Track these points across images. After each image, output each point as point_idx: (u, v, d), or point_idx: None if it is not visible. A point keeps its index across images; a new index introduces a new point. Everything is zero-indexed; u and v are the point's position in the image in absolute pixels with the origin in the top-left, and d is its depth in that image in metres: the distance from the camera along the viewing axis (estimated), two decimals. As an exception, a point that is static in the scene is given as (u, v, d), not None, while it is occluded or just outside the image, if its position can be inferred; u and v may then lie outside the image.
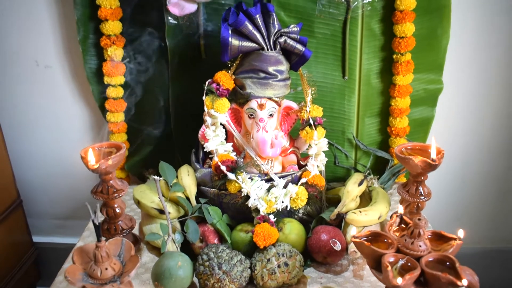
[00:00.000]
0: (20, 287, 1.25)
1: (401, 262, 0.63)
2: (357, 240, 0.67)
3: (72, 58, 1.15)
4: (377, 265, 0.65)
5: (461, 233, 0.68)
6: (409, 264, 0.63)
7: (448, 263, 0.63)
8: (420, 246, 0.64)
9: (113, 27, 1.03)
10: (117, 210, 0.85)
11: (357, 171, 1.10)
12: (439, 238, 0.69)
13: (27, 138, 1.24)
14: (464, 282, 0.59)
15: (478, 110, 1.19)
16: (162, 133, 1.14)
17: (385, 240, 0.68)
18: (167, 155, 1.03)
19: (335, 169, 1.14)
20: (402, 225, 0.72)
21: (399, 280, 0.59)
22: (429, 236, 0.68)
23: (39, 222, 1.34)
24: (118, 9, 1.03)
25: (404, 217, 0.72)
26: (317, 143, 0.91)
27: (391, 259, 0.63)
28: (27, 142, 1.24)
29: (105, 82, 1.08)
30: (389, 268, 0.61)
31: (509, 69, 1.14)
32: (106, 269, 0.68)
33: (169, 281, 0.75)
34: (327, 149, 0.93)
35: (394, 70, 1.05)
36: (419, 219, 0.64)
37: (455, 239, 0.67)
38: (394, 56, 1.04)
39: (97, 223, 0.68)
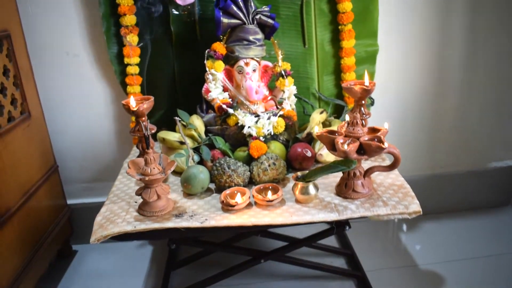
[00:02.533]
0: (56, 241, 1.52)
1: (347, 142, 0.99)
2: (319, 133, 1.02)
3: (95, 47, 1.48)
4: (332, 147, 1.01)
5: (386, 125, 1.04)
6: (351, 141, 0.99)
7: (376, 139, 0.99)
8: (358, 131, 1.00)
9: (130, 19, 1.37)
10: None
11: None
12: (373, 131, 1.05)
13: (61, 114, 1.55)
14: (386, 145, 0.95)
15: (405, 63, 1.58)
16: (170, 99, 1.47)
17: (337, 134, 1.04)
18: (174, 115, 1.36)
19: (304, 118, 1.49)
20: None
21: (345, 147, 0.95)
22: (367, 130, 1.04)
23: (71, 185, 1.64)
24: (133, 6, 1.37)
25: (349, 120, 1.08)
26: (288, 88, 1.27)
27: (341, 140, 0.99)
28: (61, 117, 1.55)
29: (125, 62, 1.41)
30: (339, 142, 0.96)
31: (429, 32, 1.54)
32: (154, 168, 1.01)
33: (194, 181, 1.09)
34: (296, 100, 1.30)
35: (340, 37, 1.43)
36: (354, 116, 1.00)
37: (382, 129, 1.03)
38: (340, 27, 1.42)
39: (147, 135, 1.01)
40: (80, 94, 1.53)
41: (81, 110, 1.55)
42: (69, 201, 1.65)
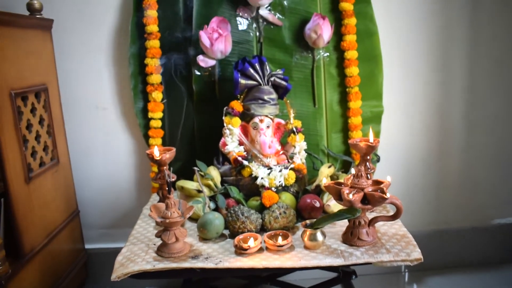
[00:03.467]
0: (72, 284, 1.59)
1: (352, 192, 1.07)
2: (327, 184, 1.11)
3: (123, 102, 1.62)
4: (339, 197, 1.09)
5: (389, 178, 1.13)
6: (356, 192, 1.07)
7: (379, 190, 1.07)
8: (363, 182, 1.09)
9: (155, 78, 1.52)
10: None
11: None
12: (377, 183, 1.13)
13: (86, 162, 1.66)
14: (388, 195, 1.03)
15: (409, 123, 1.69)
16: (189, 151, 1.58)
17: (343, 185, 1.12)
18: (192, 166, 1.45)
19: (313, 173, 1.58)
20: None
21: (351, 196, 1.03)
22: (371, 182, 1.13)
23: (89, 230, 1.72)
24: (159, 66, 1.53)
25: (355, 173, 1.17)
26: (299, 144, 1.38)
27: (347, 191, 1.07)
28: (86, 165, 1.66)
29: (149, 117, 1.54)
30: (345, 192, 1.05)
31: (431, 94, 1.67)
32: (174, 212, 1.10)
33: (210, 226, 1.17)
34: (306, 155, 1.40)
35: (348, 98, 1.55)
36: (359, 169, 1.10)
37: (385, 181, 1.11)
38: (347, 89, 1.55)
39: (169, 181, 1.11)
40: (105, 144, 1.66)
41: (105, 159, 1.67)
42: (86, 246, 1.72)
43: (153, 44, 1.50)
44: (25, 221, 1.29)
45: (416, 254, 1.04)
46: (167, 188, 1.26)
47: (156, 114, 1.54)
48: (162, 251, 1.10)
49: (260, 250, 1.10)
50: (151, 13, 1.49)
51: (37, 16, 1.45)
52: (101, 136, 1.65)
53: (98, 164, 1.67)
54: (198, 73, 1.51)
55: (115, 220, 1.72)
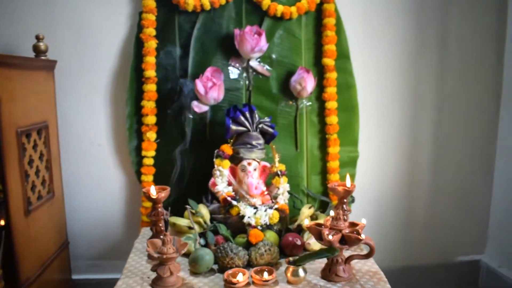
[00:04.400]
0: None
1: (332, 233, 1.20)
2: (309, 225, 1.24)
3: (117, 139, 1.72)
4: (319, 237, 1.21)
5: (364, 220, 1.26)
6: (335, 233, 1.20)
7: (355, 232, 1.20)
8: (341, 224, 1.22)
9: (150, 119, 1.63)
10: (162, 228, 1.37)
11: (308, 210, 1.68)
12: (353, 225, 1.26)
13: (78, 195, 1.74)
14: (363, 236, 1.16)
15: (382, 167, 1.85)
16: (178, 189, 1.68)
17: (323, 226, 1.25)
18: (180, 204, 1.54)
19: (294, 211, 1.70)
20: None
21: (330, 237, 1.16)
22: (348, 224, 1.26)
23: (77, 261, 1.78)
24: (154, 108, 1.64)
25: (334, 215, 1.30)
26: (283, 186, 1.50)
27: (327, 232, 1.20)
28: (78, 198, 1.74)
29: (142, 155, 1.65)
30: (325, 233, 1.17)
31: (401, 142, 1.84)
32: (169, 248, 1.19)
33: (201, 261, 1.26)
34: (288, 195, 1.53)
35: (327, 144, 1.70)
36: (338, 212, 1.23)
37: (360, 223, 1.25)
38: (327, 136, 1.70)
39: (167, 219, 1.21)
40: (97, 178, 1.74)
41: (96, 193, 1.75)
42: (73, 276, 1.77)
43: (150, 88, 1.62)
44: (23, 253, 1.35)
45: (387, 290, 1.17)
46: (161, 225, 1.37)
47: (149, 152, 1.65)
48: (157, 284, 1.19)
49: (248, 284, 1.20)
50: (150, 59, 1.62)
51: (43, 58, 1.56)
52: (95, 171, 1.74)
53: (90, 197, 1.75)
54: (191, 116, 1.63)
55: (103, 252, 1.79)
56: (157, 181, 1.67)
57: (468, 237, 1.97)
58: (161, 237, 1.20)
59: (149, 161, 1.65)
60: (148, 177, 1.66)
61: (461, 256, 1.98)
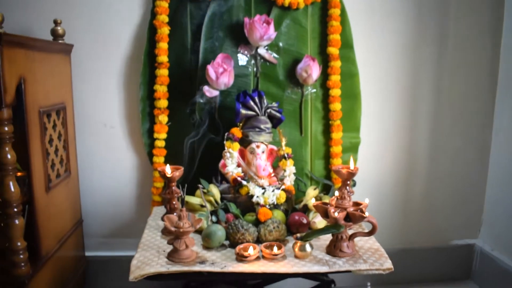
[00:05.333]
0: (73, 290, 1.72)
1: (337, 211, 1.28)
2: (316, 203, 1.32)
3: (130, 122, 1.79)
4: (325, 215, 1.30)
5: (367, 200, 1.34)
6: (340, 210, 1.28)
7: (359, 210, 1.28)
8: (346, 203, 1.30)
9: (163, 103, 1.70)
10: (176, 205, 1.45)
11: (312, 192, 1.77)
12: (357, 204, 1.34)
13: (92, 175, 1.81)
14: (367, 214, 1.25)
15: (381, 153, 1.94)
16: (188, 170, 1.75)
17: (329, 205, 1.33)
18: (191, 184, 1.62)
19: (298, 194, 1.78)
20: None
21: (336, 214, 1.24)
22: (352, 203, 1.34)
23: (90, 239, 1.86)
24: (166, 92, 1.71)
25: (339, 195, 1.38)
26: (289, 168, 1.58)
27: (333, 210, 1.28)
28: (91, 178, 1.81)
29: (154, 137, 1.72)
30: (331, 210, 1.26)
31: (401, 130, 1.92)
32: (185, 222, 1.27)
33: (214, 237, 1.34)
34: (294, 177, 1.61)
35: (330, 130, 1.78)
36: (343, 192, 1.31)
37: (363, 203, 1.33)
38: (330, 122, 1.78)
39: (183, 196, 1.29)
40: (110, 159, 1.82)
41: (109, 173, 1.82)
42: (86, 253, 1.85)
43: (163, 72, 1.69)
44: (44, 227, 1.43)
45: (388, 264, 1.25)
46: (174, 202, 1.45)
47: (161, 135, 1.72)
48: (173, 256, 1.27)
49: (258, 258, 1.28)
50: (163, 45, 1.69)
51: (60, 41, 1.62)
52: (108, 152, 1.81)
53: (103, 177, 1.82)
54: (201, 100, 1.70)
55: (115, 230, 1.87)
56: (168, 162, 1.73)
57: (463, 222, 2.06)
58: (177, 213, 1.28)
59: (160, 143, 1.73)
60: (159, 159, 1.73)
61: (456, 240, 2.07)
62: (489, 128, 1.98)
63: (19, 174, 1.37)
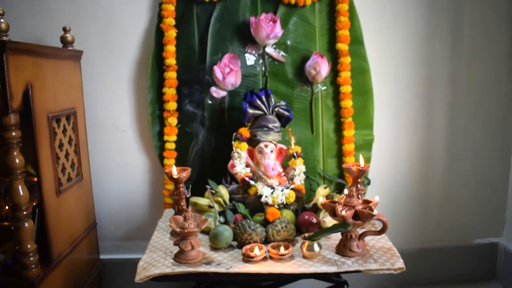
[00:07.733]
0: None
1: (345, 209, 1.25)
2: (323, 202, 1.29)
3: (141, 125, 1.80)
4: (333, 213, 1.27)
5: (377, 198, 1.30)
6: (348, 209, 1.25)
7: (368, 208, 1.25)
8: (354, 201, 1.26)
9: (172, 106, 1.71)
10: (184, 206, 1.45)
11: (324, 191, 1.73)
12: (366, 202, 1.31)
13: (105, 178, 1.83)
14: (375, 211, 1.21)
15: (397, 150, 1.88)
16: (198, 172, 1.75)
17: (337, 203, 1.30)
18: (201, 186, 1.61)
19: (311, 193, 1.75)
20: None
21: (343, 212, 1.21)
22: (361, 201, 1.30)
23: (104, 242, 1.88)
24: (175, 95, 1.71)
25: (347, 193, 1.34)
26: (299, 167, 1.56)
27: (340, 208, 1.25)
28: (104, 181, 1.83)
29: (164, 139, 1.73)
30: (339, 209, 1.22)
31: (416, 125, 1.87)
32: (191, 223, 1.26)
33: (221, 237, 1.33)
34: (304, 176, 1.58)
35: (342, 127, 1.75)
36: (351, 189, 1.27)
37: (373, 201, 1.29)
38: (342, 119, 1.75)
39: (188, 197, 1.28)
40: (122, 163, 1.83)
41: (122, 177, 1.84)
42: (101, 256, 1.87)
43: (171, 75, 1.69)
44: (55, 230, 1.45)
45: (399, 263, 1.21)
46: (182, 204, 1.44)
47: (171, 137, 1.73)
48: (179, 257, 1.26)
49: (265, 258, 1.26)
50: (170, 48, 1.69)
51: (70, 48, 1.64)
52: (120, 156, 1.83)
53: (116, 181, 1.84)
54: (210, 102, 1.70)
55: (129, 233, 1.88)
56: (179, 164, 1.74)
57: (486, 220, 1.98)
58: (183, 214, 1.27)
59: (171, 145, 1.73)
60: (170, 161, 1.74)
61: (479, 238, 1.99)
62: (510, 121, 1.90)
63: (30, 178, 1.39)
